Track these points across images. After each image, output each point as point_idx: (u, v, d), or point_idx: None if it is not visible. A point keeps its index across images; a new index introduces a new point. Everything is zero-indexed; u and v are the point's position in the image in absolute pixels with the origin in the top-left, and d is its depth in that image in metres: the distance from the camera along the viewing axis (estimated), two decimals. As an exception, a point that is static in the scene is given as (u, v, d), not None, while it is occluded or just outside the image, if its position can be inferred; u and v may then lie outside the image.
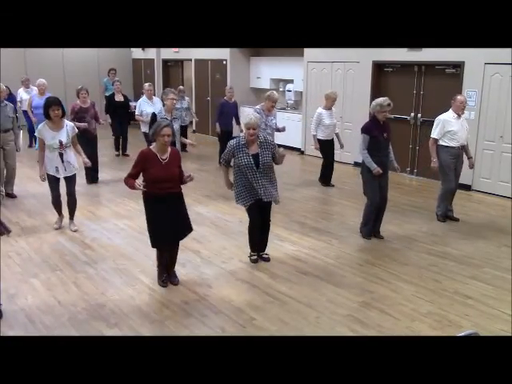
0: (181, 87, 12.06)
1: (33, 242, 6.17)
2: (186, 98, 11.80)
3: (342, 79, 10.90)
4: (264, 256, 5.71)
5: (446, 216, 7.07)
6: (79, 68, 16.34)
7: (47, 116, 6.20)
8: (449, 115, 6.84)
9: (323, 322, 4.41)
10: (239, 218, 7.16)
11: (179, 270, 5.40)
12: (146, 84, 10.60)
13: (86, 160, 6.60)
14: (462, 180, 8.85)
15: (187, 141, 8.68)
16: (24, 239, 6.25)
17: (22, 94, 11.92)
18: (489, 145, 8.57)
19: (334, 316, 4.50)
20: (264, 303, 4.72)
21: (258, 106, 8.11)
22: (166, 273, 5.10)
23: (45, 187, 6.73)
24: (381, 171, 6.07)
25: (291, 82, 12.65)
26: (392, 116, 10.19)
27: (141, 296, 4.84)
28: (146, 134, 8.97)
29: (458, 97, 6.83)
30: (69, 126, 6.37)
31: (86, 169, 8.61)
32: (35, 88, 11.73)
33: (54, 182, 6.43)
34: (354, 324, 4.36)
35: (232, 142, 5.38)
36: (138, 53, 17.43)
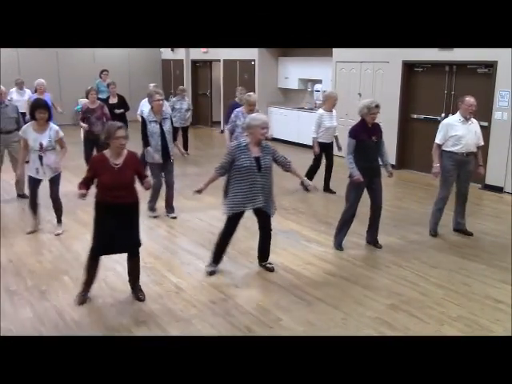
0: (182, 87, 11.92)
1: (64, 239, 6.29)
2: (187, 99, 11.72)
3: (371, 79, 10.80)
4: (268, 266, 5.45)
5: (436, 231, 6.53)
6: (110, 68, 16.51)
7: (32, 117, 6.12)
8: (454, 119, 6.31)
9: (350, 323, 4.38)
10: (266, 218, 7.16)
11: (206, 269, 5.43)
12: (152, 84, 10.33)
13: (58, 166, 6.36)
14: (494, 182, 8.72)
15: (181, 149, 8.00)
16: (56, 237, 6.37)
17: (13, 95, 11.86)
18: (522, 146, 8.39)
19: (361, 318, 4.47)
20: (291, 304, 4.72)
21: (239, 109, 7.70)
22: (87, 291, 4.71)
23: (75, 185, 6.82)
24: (361, 179, 5.70)
25: (319, 82, 12.59)
26: (422, 116, 10.09)
27: (168, 294, 4.89)
28: None
29: (467, 98, 6.22)
30: (53, 129, 6.24)
31: None
32: (28, 90, 11.85)
33: (32, 183, 6.37)
34: (381, 326, 4.31)
35: (232, 145, 5.15)
36: (167, 53, 17.60)
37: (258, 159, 5.02)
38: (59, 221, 6.60)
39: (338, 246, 6.02)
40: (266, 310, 4.59)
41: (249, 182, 5.01)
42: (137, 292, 4.80)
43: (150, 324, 4.34)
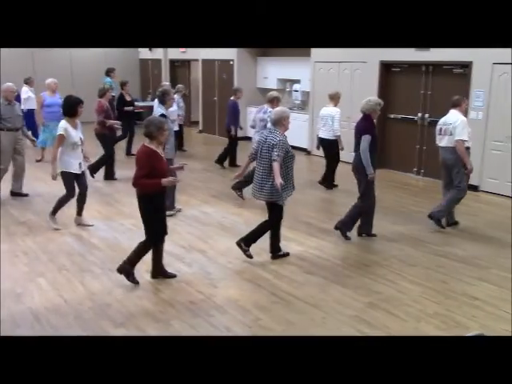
0: (181, 85, 12.03)
1: (40, 241, 6.20)
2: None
3: (349, 79, 10.87)
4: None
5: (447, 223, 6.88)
6: (87, 68, 16.39)
7: (73, 114, 6.36)
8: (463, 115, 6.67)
9: (329, 322, 4.40)
10: (245, 218, 7.16)
11: (185, 269, 5.41)
12: (166, 83, 10.90)
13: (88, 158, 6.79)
14: (470, 181, 8.82)
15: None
16: (31, 238, 6.27)
17: (29, 93, 11.95)
18: (496, 145, 8.53)
19: (340, 316, 4.49)
20: (270, 303, 4.72)
21: (269, 109, 7.87)
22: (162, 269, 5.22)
23: (52, 186, 6.74)
24: (375, 177, 6.15)
25: (298, 82, 12.64)
26: (400, 116, 10.18)
27: (147, 295, 4.85)
28: None
29: (465, 99, 6.72)
30: (79, 124, 6.56)
31: (107, 166, 9.18)
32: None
33: (73, 179, 6.50)
34: (360, 325, 4.34)
35: (283, 139, 5.35)
36: (145, 53, 17.47)
37: None
38: (81, 213, 6.76)
39: (369, 233, 6.40)
40: (245, 310, 4.58)
41: (292, 169, 5.52)
42: (167, 273, 5.22)
43: (129, 326, 4.30)
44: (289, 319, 4.44)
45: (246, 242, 5.62)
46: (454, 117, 6.58)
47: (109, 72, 13.28)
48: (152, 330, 4.22)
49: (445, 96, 9.20)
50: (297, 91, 12.67)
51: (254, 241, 5.65)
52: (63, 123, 6.36)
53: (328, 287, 5.07)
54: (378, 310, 4.60)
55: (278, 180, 5.24)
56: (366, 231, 6.41)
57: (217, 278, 5.24)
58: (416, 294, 4.94)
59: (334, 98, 8.85)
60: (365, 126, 6.15)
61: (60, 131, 6.31)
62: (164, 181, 4.74)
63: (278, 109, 5.62)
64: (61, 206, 6.61)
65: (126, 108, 10.92)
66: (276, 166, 5.27)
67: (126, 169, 9.36)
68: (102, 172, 9.17)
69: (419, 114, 9.79)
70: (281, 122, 5.43)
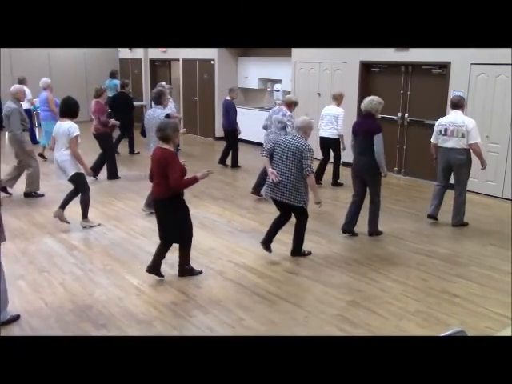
0: (169, 85, 12.13)
1: (19, 243, 6.11)
2: None
3: (329, 79, 10.93)
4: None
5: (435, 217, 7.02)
6: (66, 68, 16.23)
7: (74, 115, 6.45)
8: None
9: (312, 321, 4.42)
10: (228, 218, 7.16)
11: (167, 270, 5.38)
12: (164, 83, 11.00)
13: None
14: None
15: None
16: (10, 240, 6.16)
17: (29, 95, 12.03)
18: (475, 144, 8.62)
19: (322, 315, 4.51)
20: (253, 303, 4.72)
21: (288, 112, 7.61)
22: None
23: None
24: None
25: (279, 82, 12.66)
26: (379, 116, 10.25)
27: (128, 297, 4.82)
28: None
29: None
30: None
31: (109, 165, 9.22)
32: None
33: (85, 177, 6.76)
34: (342, 323, 4.37)
35: (310, 146, 5.50)
36: (124, 53, 17.34)
37: None
38: (64, 208, 6.69)
39: (352, 233, 6.48)
40: (228, 310, 4.58)
41: None
42: (159, 273, 5.21)
43: (110, 327, 4.26)
44: (272, 319, 4.45)
45: (295, 251, 5.82)
46: (464, 118, 6.64)
47: (115, 74, 13.37)
48: (134, 332, 4.19)
49: (424, 96, 9.33)
50: (278, 91, 12.70)
51: (301, 245, 5.82)
52: (73, 123, 6.37)
53: (310, 286, 5.09)
54: (360, 309, 4.63)
55: (318, 199, 5.58)
56: (349, 230, 6.45)
57: (199, 279, 5.22)
58: (397, 291, 4.98)
59: (338, 98, 9.02)
60: (376, 124, 6.27)
61: (77, 131, 6.35)
62: (199, 175, 4.94)
63: (306, 118, 5.76)
64: (87, 206, 6.68)
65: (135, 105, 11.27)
66: (312, 179, 5.47)
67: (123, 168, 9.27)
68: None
69: (399, 114, 9.88)
70: (305, 130, 5.59)
